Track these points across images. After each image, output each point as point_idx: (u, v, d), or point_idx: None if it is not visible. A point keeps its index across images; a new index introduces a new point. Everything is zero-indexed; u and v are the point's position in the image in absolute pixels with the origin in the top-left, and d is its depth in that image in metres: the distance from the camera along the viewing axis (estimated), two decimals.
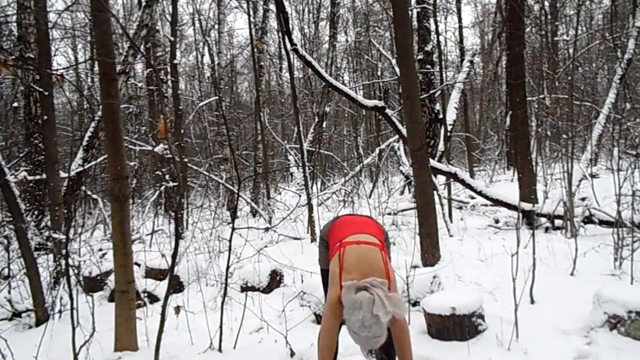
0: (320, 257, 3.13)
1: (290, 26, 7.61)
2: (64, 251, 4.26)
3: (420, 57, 9.83)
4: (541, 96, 10.07)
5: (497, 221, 7.48)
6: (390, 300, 2.32)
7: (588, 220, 6.33)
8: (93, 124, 7.15)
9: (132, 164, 11.27)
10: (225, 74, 15.99)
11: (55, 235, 5.25)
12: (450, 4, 18.78)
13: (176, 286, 5.13)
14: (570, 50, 12.58)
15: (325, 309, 2.65)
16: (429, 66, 9.93)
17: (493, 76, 17.93)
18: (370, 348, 2.44)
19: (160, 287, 5.05)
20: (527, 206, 6.50)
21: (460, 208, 9.29)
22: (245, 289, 4.99)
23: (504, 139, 16.88)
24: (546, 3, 12.90)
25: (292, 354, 3.36)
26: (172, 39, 11.15)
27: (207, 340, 3.57)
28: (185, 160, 10.08)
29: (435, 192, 6.07)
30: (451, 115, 9.59)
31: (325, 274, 2.98)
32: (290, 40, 7.37)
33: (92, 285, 5.43)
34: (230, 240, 3.75)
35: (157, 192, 10.00)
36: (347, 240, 2.72)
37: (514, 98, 7.25)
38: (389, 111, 7.25)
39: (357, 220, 3.05)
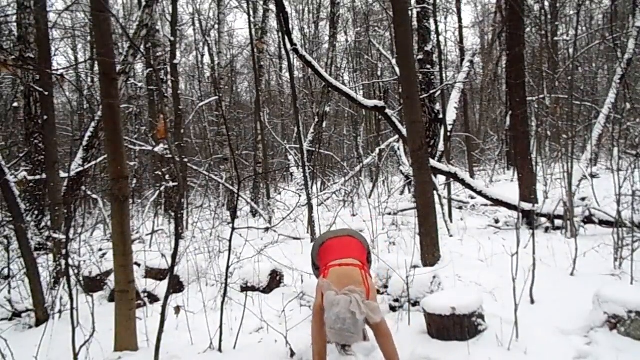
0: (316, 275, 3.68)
1: (290, 26, 7.61)
2: (64, 251, 4.26)
3: (420, 57, 9.83)
4: (541, 96, 10.07)
5: (497, 221, 7.48)
6: (366, 305, 2.70)
7: (588, 220, 6.32)
8: (93, 124, 7.15)
9: (132, 164, 11.28)
10: (225, 74, 15.99)
11: (55, 235, 5.25)
12: (450, 4, 18.80)
13: (176, 286, 5.13)
14: (570, 50, 12.58)
15: (312, 318, 3.09)
16: (429, 66, 9.94)
17: (493, 76, 17.94)
18: (343, 343, 2.81)
19: (160, 287, 5.05)
20: (527, 206, 6.50)
21: (460, 208, 9.29)
22: (245, 289, 4.99)
23: (504, 139, 16.89)
24: (546, 3, 12.91)
25: (292, 354, 3.36)
26: (172, 39, 11.15)
27: (207, 340, 3.57)
28: (185, 160, 10.08)
29: (435, 192, 6.07)
30: (451, 115, 9.59)
31: None
32: (290, 40, 7.37)
33: (92, 285, 5.43)
34: (230, 240, 3.75)
35: (157, 192, 10.00)
36: (331, 264, 3.15)
37: (514, 98, 7.24)
38: (389, 111, 7.25)
39: (341, 243, 3.42)
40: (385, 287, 4.27)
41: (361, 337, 2.76)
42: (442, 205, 7.31)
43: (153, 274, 5.63)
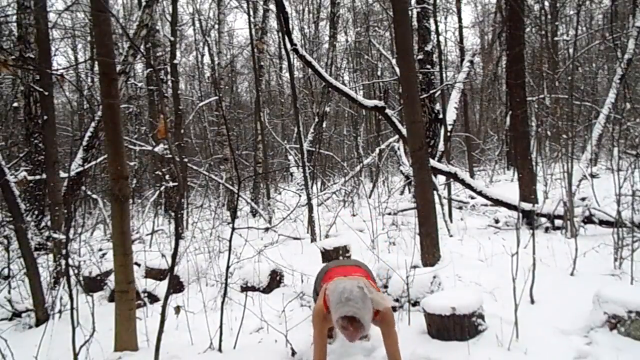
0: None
1: (290, 26, 7.61)
2: (64, 251, 4.26)
3: (420, 57, 9.83)
4: (541, 96, 10.07)
5: (497, 221, 7.48)
6: (374, 293, 2.67)
7: (588, 220, 6.32)
8: (93, 124, 7.15)
9: (132, 164, 11.29)
10: (225, 74, 15.99)
11: (55, 235, 5.25)
12: (450, 4, 18.81)
13: (176, 286, 5.13)
14: (570, 50, 12.58)
15: (313, 320, 2.96)
16: (429, 66, 9.93)
17: (493, 76, 17.94)
18: (349, 314, 2.57)
19: (160, 287, 5.05)
20: (527, 206, 6.49)
21: (460, 208, 9.28)
22: (245, 289, 4.99)
23: (504, 139, 16.90)
24: (546, 3, 12.90)
25: (294, 353, 3.36)
26: (172, 39, 11.15)
27: (207, 340, 3.57)
28: (185, 160, 10.08)
29: (435, 192, 6.07)
30: (451, 115, 9.58)
31: None
32: (290, 40, 7.37)
33: (92, 285, 5.43)
34: (230, 240, 3.75)
35: (157, 192, 10.00)
36: (336, 275, 3.10)
37: (514, 98, 7.24)
38: (389, 111, 7.25)
39: (345, 270, 3.31)
40: (385, 287, 4.27)
41: (367, 316, 2.59)
42: (442, 205, 7.31)
43: (153, 274, 5.63)
